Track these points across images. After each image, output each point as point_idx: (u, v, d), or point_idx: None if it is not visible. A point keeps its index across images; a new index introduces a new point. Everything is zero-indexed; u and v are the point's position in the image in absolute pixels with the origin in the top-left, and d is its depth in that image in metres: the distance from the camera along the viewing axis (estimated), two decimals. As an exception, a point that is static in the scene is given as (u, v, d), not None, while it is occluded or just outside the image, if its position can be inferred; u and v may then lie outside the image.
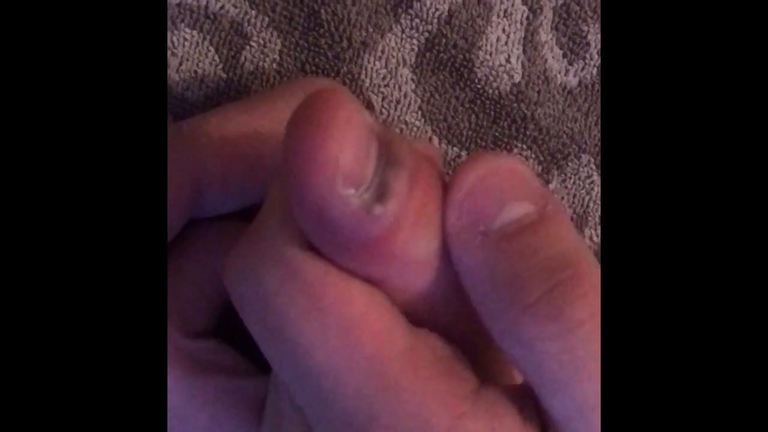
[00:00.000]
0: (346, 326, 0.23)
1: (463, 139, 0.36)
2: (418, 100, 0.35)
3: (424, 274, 0.25)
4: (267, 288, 0.24)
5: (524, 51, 0.35)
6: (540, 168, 0.36)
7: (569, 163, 0.36)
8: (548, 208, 0.24)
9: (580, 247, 0.24)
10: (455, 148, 0.36)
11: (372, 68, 0.34)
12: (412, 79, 0.35)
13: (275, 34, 0.33)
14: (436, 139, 0.35)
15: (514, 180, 0.24)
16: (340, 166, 0.22)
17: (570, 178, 0.36)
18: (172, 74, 0.33)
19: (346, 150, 0.22)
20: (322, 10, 0.33)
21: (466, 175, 0.24)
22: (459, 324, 0.26)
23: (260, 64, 0.33)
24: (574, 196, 0.37)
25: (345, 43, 0.33)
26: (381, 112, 0.35)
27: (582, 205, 0.37)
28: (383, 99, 0.35)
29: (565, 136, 0.36)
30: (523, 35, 0.35)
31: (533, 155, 0.36)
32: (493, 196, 0.24)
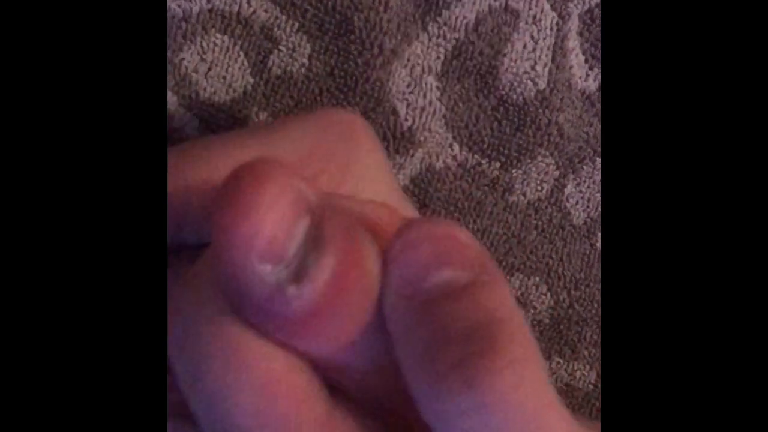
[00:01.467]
0: (263, 382, 0.23)
1: (485, 146, 0.35)
2: (443, 108, 0.34)
3: (347, 353, 0.24)
4: (192, 338, 0.23)
5: (553, 58, 0.35)
6: (558, 173, 0.36)
7: (584, 167, 0.36)
8: (483, 276, 0.23)
9: (511, 321, 0.23)
10: (476, 156, 0.35)
11: (398, 76, 0.33)
12: (438, 87, 0.34)
13: (305, 38, 0.32)
14: (457, 147, 0.35)
15: (447, 245, 0.24)
16: (257, 242, 0.22)
17: (585, 182, 0.36)
18: (201, 79, 0.32)
19: (264, 226, 0.22)
20: (355, 17, 0.32)
21: (399, 240, 0.24)
22: (386, 400, 0.25)
23: (288, 68, 0.33)
24: (588, 200, 0.37)
25: (376, 50, 0.33)
26: (406, 119, 0.34)
27: (596, 209, 0.37)
28: (408, 106, 0.34)
29: (581, 140, 0.36)
30: (553, 42, 0.34)
31: (554, 161, 0.36)
32: (423, 260, 0.23)
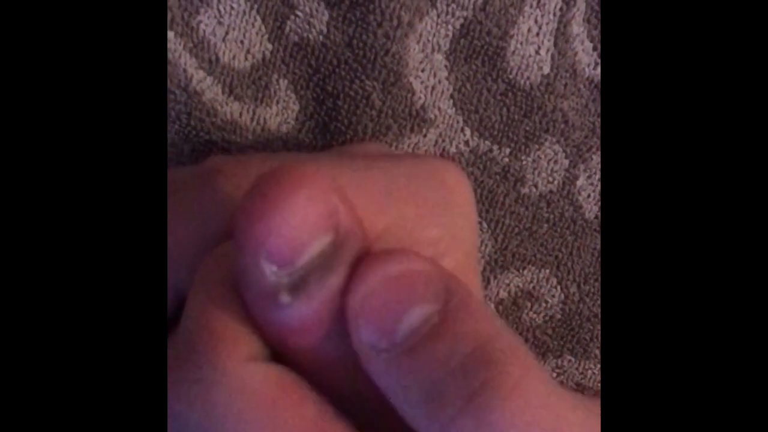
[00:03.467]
0: (249, 393, 0.22)
1: (495, 132, 0.35)
2: (450, 88, 0.34)
3: (338, 375, 0.24)
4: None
5: (555, 43, 0.35)
6: (567, 162, 0.36)
7: (593, 157, 0.36)
8: (452, 300, 0.23)
9: (497, 335, 0.22)
10: (487, 142, 0.35)
11: (413, 51, 0.33)
12: (446, 66, 0.34)
13: (322, 5, 0.32)
14: (468, 131, 0.34)
15: (406, 282, 0.23)
16: (269, 240, 0.21)
17: (596, 174, 0.36)
18: (218, 43, 0.31)
19: (281, 228, 0.21)
20: (375, -16, 0.32)
21: (357, 293, 0.23)
22: (379, 420, 0.24)
23: (305, 35, 0.32)
24: (600, 192, 0.36)
25: (395, 22, 0.32)
26: (419, 97, 0.33)
27: (605, 205, 0.37)
28: (421, 83, 0.33)
29: (587, 129, 0.36)
30: (555, 27, 0.34)
31: (561, 149, 0.35)
32: (387, 308, 0.22)
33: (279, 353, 0.23)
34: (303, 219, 0.21)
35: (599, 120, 0.36)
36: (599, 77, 0.35)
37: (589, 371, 0.37)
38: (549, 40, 0.35)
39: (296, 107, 0.33)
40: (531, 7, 0.34)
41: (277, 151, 0.33)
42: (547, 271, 0.36)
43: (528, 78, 0.34)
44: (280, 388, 0.22)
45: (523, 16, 0.34)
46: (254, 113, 0.32)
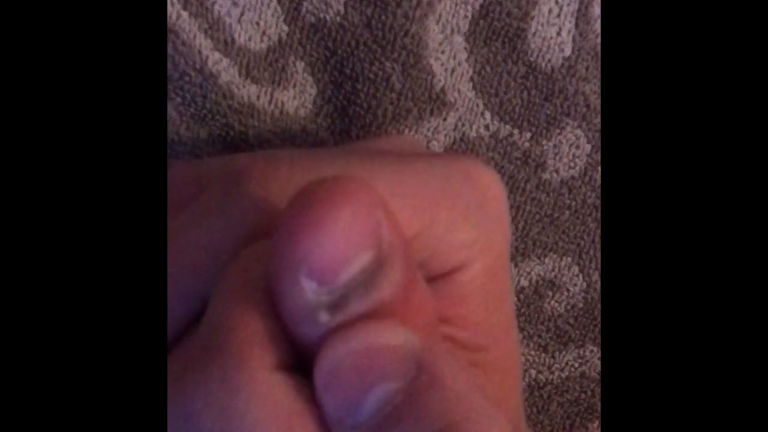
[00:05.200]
0: (270, 403, 0.22)
1: (516, 116, 0.34)
2: (470, 70, 0.33)
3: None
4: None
5: (576, 24, 0.34)
6: (590, 147, 0.35)
7: (616, 144, 0.35)
8: (420, 377, 0.22)
9: (468, 417, 0.21)
10: (507, 126, 0.34)
11: (433, 32, 0.32)
12: (465, 48, 0.33)
13: (340, -15, 0.31)
14: (488, 115, 0.33)
15: (370, 358, 0.22)
16: (311, 258, 0.21)
17: (618, 159, 0.35)
18: (234, 23, 0.30)
19: (324, 246, 0.21)
20: (391, -38, 0.31)
21: (320, 369, 0.22)
22: None
23: (322, 15, 0.31)
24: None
25: (414, 1, 0.31)
26: (439, 79, 0.32)
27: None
28: (441, 65, 0.32)
29: (607, 114, 0.35)
30: (576, 7, 0.33)
31: (583, 133, 0.34)
32: (350, 388, 0.22)
33: (307, 364, 0.22)
34: (347, 235, 0.21)
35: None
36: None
37: (612, 361, 0.37)
38: (570, 22, 0.34)
39: (314, 91, 0.32)
40: (551, -13, 0.33)
41: (296, 137, 0.32)
42: (569, 258, 0.36)
43: (549, 60, 0.33)
44: (302, 402, 0.22)
45: (544, -4, 0.33)
46: (272, 96, 0.31)
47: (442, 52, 0.32)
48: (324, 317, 0.21)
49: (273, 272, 0.21)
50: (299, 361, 0.22)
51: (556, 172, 0.35)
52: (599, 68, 0.34)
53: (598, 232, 0.36)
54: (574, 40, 0.34)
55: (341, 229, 0.21)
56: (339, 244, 0.21)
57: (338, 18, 0.31)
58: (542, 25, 0.33)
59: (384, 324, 0.22)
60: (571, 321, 0.36)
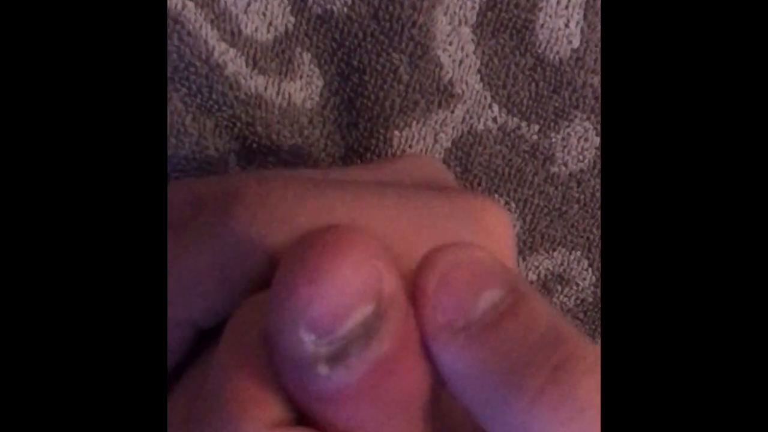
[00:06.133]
0: None
1: (524, 108, 0.34)
2: (478, 62, 0.33)
3: None
4: None
5: (585, 16, 0.33)
6: (598, 140, 0.34)
7: (625, 137, 0.35)
8: (519, 287, 0.23)
9: (560, 317, 0.23)
10: (515, 119, 0.34)
11: (441, 23, 0.32)
12: (472, 40, 0.32)
13: (347, -25, 0.30)
14: (496, 107, 0.33)
15: (479, 268, 0.23)
16: (310, 310, 0.21)
17: (628, 152, 0.35)
18: (240, 14, 0.29)
19: (323, 299, 0.21)
20: (399, -49, 0.30)
21: (430, 276, 0.23)
22: None
23: (329, 6, 0.30)
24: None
25: (421, -9, 0.31)
26: (447, 71, 0.32)
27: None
28: (449, 57, 0.32)
29: (618, 107, 0.34)
30: (584, -1, 0.33)
31: (592, 126, 0.34)
32: (463, 288, 0.23)
33: (306, 417, 0.23)
34: (347, 288, 0.21)
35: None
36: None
37: (622, 356, 0.36)
38: (578, 13, 0.33)
39: (320, 83, 0.31)
40: (559, -23, 0.33)
41: (304, 128, 0.31)
42: (578, 252, 0.35)
43: (557, 52, 0.33)
44: None
45: (551, -13, 0.33)
46: (279, 87, 0.31)
47: (450, 44, 0.32)
48: (323, 370, 0.21)
49: (271, 323, 0.21)
50: (298, 414, 0.22)
51: (565, 165, 0.34)
52: (607, 60, 0.34)
53: (607, 225, 0.35)
54: (582, 31, 0.33)
55: (342, 281, 0.21)
56: (340, 297, 0.21)
57: (345, 9, 0.31)
58: (550, 16, 0.33)
59: (477, 246, 0.23)
60: (581, 316, 0.36)
